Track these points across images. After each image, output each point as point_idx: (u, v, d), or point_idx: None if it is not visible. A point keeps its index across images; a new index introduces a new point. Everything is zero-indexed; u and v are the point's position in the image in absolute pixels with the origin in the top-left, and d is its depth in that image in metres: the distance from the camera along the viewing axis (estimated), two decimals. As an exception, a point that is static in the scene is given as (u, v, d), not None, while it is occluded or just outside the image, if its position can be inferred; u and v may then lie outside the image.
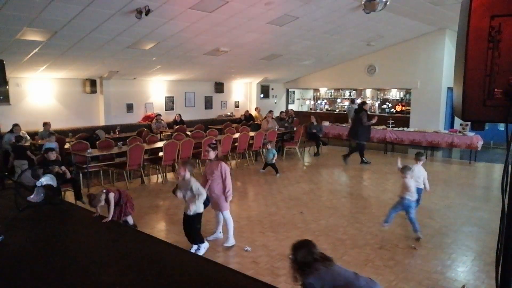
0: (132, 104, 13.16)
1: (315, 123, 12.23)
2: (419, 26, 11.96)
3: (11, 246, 3.98)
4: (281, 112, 13.81)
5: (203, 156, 9.32)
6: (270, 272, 4.27)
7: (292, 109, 16.81)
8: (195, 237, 4.65)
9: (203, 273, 3.30)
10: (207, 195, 4.80)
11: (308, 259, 2.49)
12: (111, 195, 4.67)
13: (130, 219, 5.05)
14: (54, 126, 10.89)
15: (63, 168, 6.64)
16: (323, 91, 18.20)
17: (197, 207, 4.51)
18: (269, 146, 9.60)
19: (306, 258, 2.50)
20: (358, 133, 10.30)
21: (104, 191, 4.76)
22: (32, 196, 5.00)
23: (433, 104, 13.39)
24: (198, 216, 4.60)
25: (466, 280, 4.19)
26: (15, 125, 8.98)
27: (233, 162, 10.57)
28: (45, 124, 9.95)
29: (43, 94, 11.05)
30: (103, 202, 4.64)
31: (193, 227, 4.61)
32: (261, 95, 17.57)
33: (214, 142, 5.31)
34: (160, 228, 5.81)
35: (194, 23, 8.62)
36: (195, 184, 4.47)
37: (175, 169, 4.87)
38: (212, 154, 5.03)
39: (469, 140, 10.81)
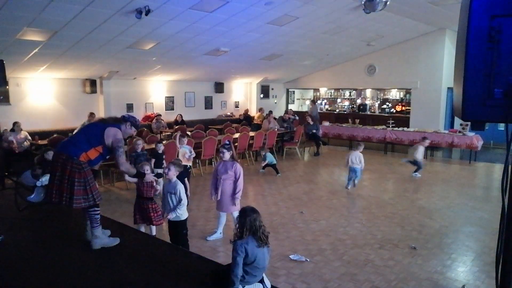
0: (132, 104, 13.15)
1: (311, 123, 12.22)
2: (419, 26, 11.96)
3: (11, 246, 3.98)
4: (285, 113, 13.81)
5: (203, 156, 9.33)
6: (270, 272, 4.26)
7: (291, 109, 16.82)
8: (181, 244, 4.40)
9: (204, 273, 3.30)
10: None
11: (255, 227, 2.79)
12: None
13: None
14: (54, 126, 10.93)
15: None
16: (323, 91, 18.20)
17: (179, 215, 4.32)
18: (263, 152, 9.63)
19: (258, 224, 2.80)
20: None
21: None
22: (32, 196, 5.01)
23: (433, 104, 13.38)
24: (184, 222, 4.40)
25: (466, 280, 4.19)
26: (16, 123, 9.02)
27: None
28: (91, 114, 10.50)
29: (43, 94, 11.04)
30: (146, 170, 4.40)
31: (179, 234, 4.41)
32: (261, 95, 17.56)
33: (228, 142, 5.25)
34: (160, 228, 5.79)
35: (194, 23, 8.62)
36: (181, 190, 4.29)
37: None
38: (227, 155, 5.01)
39: (469, 140, 10.81)
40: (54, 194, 3.56)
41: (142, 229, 4.74)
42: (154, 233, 4.80)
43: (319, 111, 17.78)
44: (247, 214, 2.84)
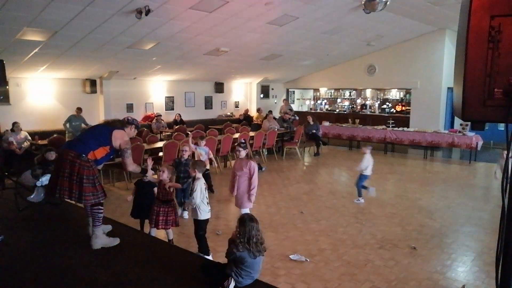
0: (132, 104, 13.15)
1: (311, 123, 12.22)
2: (419, 26, 11.96)
3: (11, 246, 3.98)
4: (285, 113, 13.79)
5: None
6: (270, 272, 4.27)
7: (291, 109, 16.79)
8: (199, 245, 4.43)
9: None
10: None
11: (255, 236, 2.88)
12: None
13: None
14: (54, 126, 10.91)
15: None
16: (323, 91, 18.18)
17: (195, 213, 4.30)
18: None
19: (254, 233, 2.89)
20: None
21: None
22: (32, 196, 5.01)
23: (433, 104, 13.38)
24: (200, 222, 4.36)
25: (466, 280, 4.19)
26: (15, 123, 9.03)
27: (233, 162, 10.55)
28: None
29: (43, 94, 11.04)
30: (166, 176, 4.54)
31: (195, 232, 4.43)
32: (261, 95, 17.56)
33: (244, 141, 5.37)
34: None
35: (194, 23, 8.62)
36: (198, 189, 4.28)
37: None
38: (243, 153, 5.14)
39: (469, 140, 10.81)
40: (63, 190, 3.64)
41: (153, 233, 4.68)
42: (171, 237, 4.76)
43: (318, 111, 17.81)
44: (246, 224, 2.94)
